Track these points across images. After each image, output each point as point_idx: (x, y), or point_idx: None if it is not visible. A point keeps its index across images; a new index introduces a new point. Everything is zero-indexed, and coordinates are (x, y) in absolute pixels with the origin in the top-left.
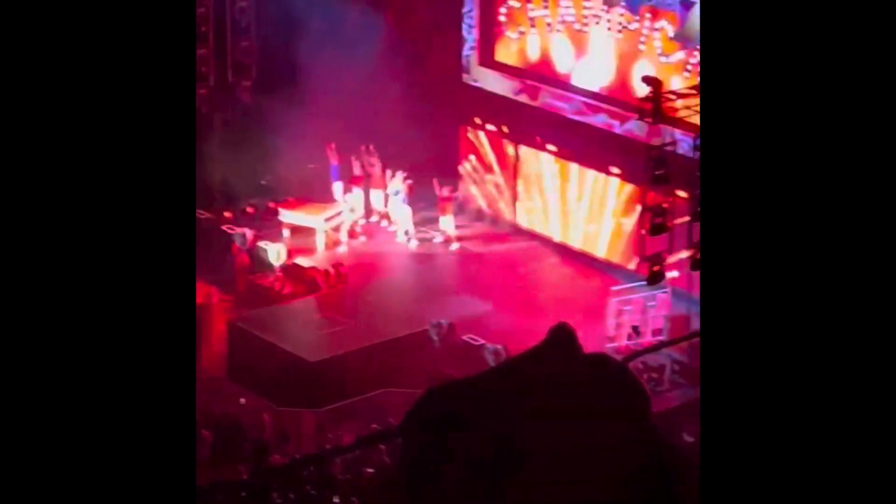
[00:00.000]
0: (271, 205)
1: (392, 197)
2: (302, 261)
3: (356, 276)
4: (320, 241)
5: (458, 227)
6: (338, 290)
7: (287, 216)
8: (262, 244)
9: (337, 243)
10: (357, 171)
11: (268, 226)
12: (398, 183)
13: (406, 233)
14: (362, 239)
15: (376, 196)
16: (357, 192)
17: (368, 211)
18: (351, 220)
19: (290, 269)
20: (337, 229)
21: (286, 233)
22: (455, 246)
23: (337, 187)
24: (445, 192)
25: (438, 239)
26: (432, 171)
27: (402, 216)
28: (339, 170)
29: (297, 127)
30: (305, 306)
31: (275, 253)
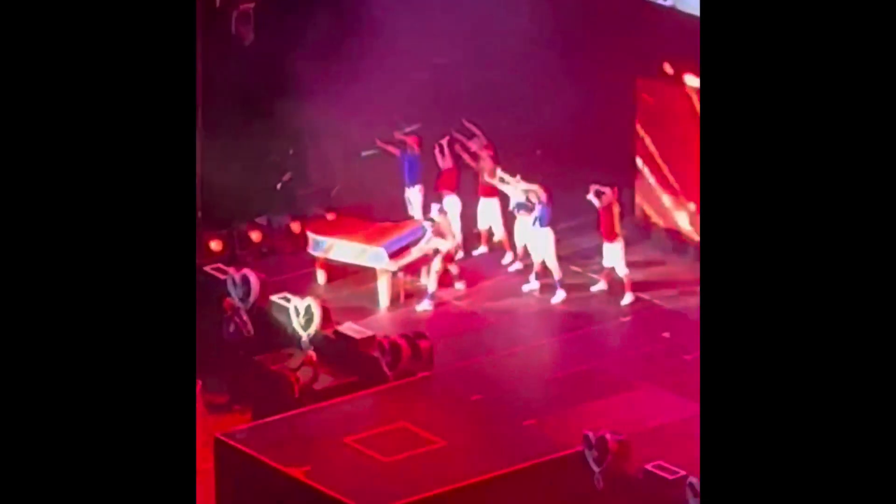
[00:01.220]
0: (294, 224)
1: (518, 214)
2: (350, 329)
3: (449, 355)
4: (383, 292)
5: (632, 263)
6: (416, 383)
7: (323, 246)
8: (278, 298)
9: (412, 296)
10: (446, 163)
11: (289, 264)
12: (525, 187)
13: (538, 275)
14: (460, 286)
15: (486, 208)
16: (451, 202)
17: (468, 237)
18: (440, 255)
19: (329, 344)
20: (414, 269)
21: (321, 276)
22: (628, 299)
23: (414, 195)
24: (605, 200)
25: (600, 286)
26: (586, 168)
27: (536, 245)
28: (417, 164)
29: (346, 92)
30: (355, 411)
31: (301, 314)
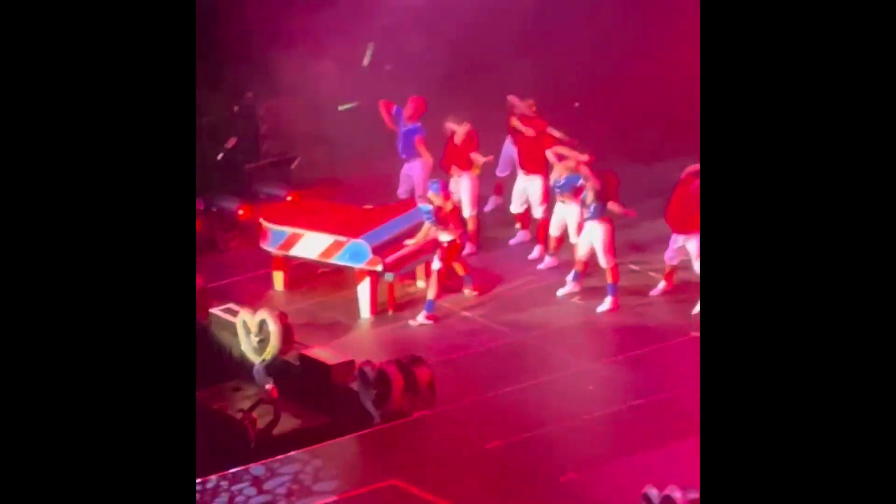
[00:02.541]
0: (242, 209)
1: (560, 195)
2: (321, 353)
3: (456, 387)
4: (365, 302)
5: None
6: (411, 425)
7: (282, 238)
8: (220, 311)
9: (405, 307)
10: (459, 136)
11: (235, 264)
12: (570, 165)
13: (578, 274)
14: (470, 293)
15: (530, 188)
16: (462, 182)
17: (477, 224)
18: (442, 250)
19: (292, 374)
20: (410, 276)
21: (280, 280)
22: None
23: (415, 172)
24: (687, 179)
25: (662, 288)
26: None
27: (584, 237)
28: (415, 133)
29: (311, 26)
30: (329, 464)
31: (254, 332)
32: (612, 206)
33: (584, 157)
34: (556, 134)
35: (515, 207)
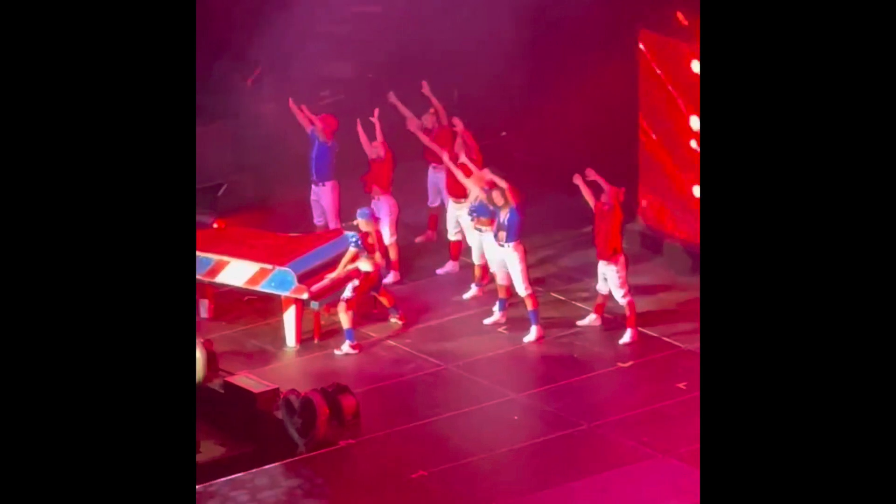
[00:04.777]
0: None
1: (475, 221)
2: (245, 380)
3: (381, 416)
4: (290, 330)
5: (636, 289)
6: (336, 454)
7: (207, 266)
8: None
9: (331, 335)
10: (377, 150)
11: None
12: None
13: (503, 303)
14: (396, 321)
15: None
16: (382, 205)
17: (399, 252)
18: (358, 278)
19: (216, 401)
20: (335, 304)
21: (204, 308)
22: (628, 336)
23: (325, 196)
24: (604, 202)
25: (590, 320)
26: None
27: (500, 264)
28: (329, 152)
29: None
30: (252, 494)
31: None
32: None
33: (502, 184)
34: (498, 180)
35: (451, 235)
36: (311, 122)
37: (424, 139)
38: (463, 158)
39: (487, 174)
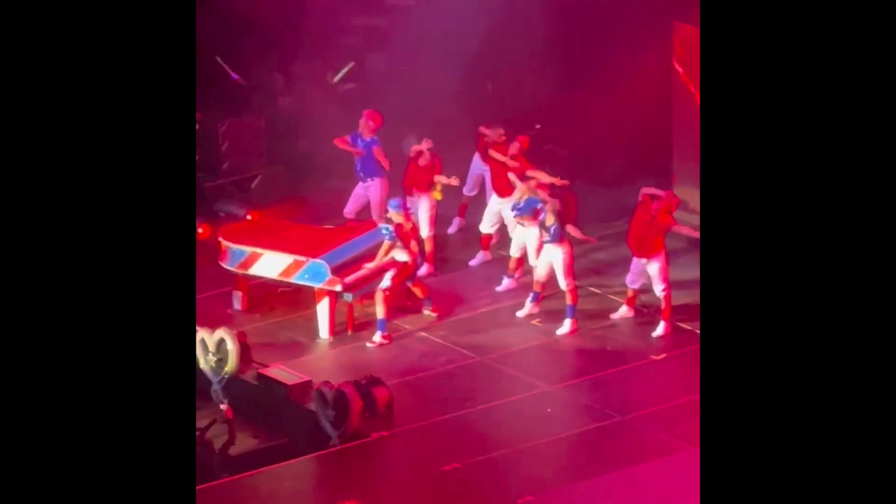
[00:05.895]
0: (200, 228)
1: (519, 217)
2: (279, 372)
3: (414, 408)
4: (324, 322)
5: (673, 283)
6: (369, 446)
7: (240, 258)
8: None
9: (365, 327)
10: (423, 158)
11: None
12: (530, 187)
13: (537, 296)
14: (429, 313)
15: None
16: (420, 203)
17: (434, 245)
18: (394, 270)
19: (250, 393)
20: (369, 296)
21: (238, 300)
22: (662, 329)
23: (373, 192)
24: (656, 206)
25: (622, 312)
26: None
27: (543, 258)
28: (371, 147)
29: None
30: (286, 484)
31: (211, 351)
32: (572, 230)
33: (556, 180)
34: (544, 178)
35: (485, 228)
36: (355, 152)
37: (499, 157)
38: (545, 179)
39: (543, 177)
